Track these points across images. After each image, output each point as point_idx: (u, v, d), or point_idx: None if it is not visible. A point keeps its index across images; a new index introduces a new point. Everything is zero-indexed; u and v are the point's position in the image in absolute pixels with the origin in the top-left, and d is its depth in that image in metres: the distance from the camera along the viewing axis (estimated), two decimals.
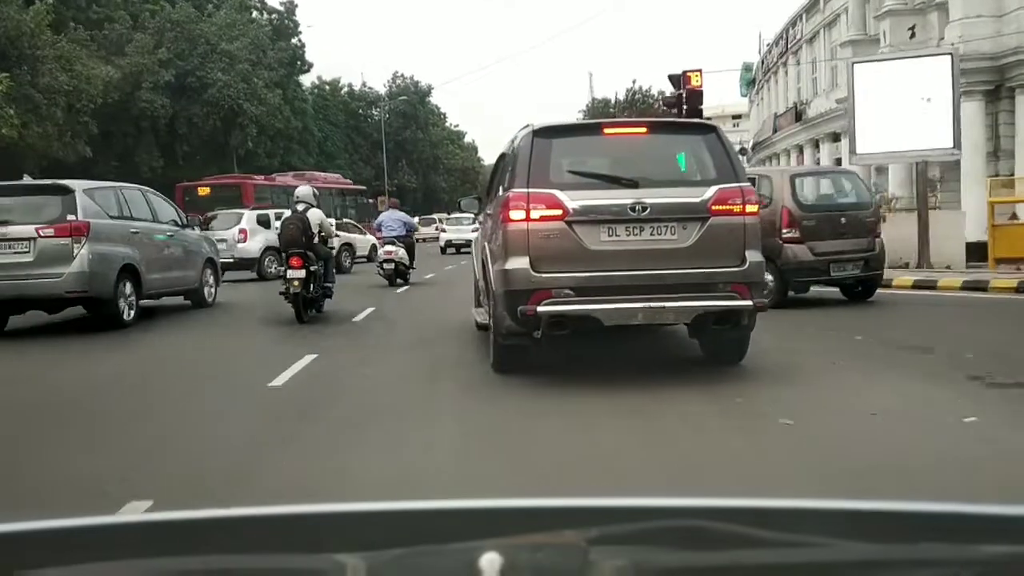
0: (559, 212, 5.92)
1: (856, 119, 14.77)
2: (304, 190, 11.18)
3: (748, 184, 6.22)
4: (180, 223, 12.15)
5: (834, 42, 32.20)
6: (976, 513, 0.98)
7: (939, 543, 0.94)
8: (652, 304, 5.87)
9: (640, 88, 60.14)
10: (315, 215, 10.56)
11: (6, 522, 0.93)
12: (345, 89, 62.86)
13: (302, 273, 9.99)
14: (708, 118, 38.92)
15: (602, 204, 5.99)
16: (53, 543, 0.93)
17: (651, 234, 5.97)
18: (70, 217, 9.78)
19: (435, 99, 69.59)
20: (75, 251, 9.71)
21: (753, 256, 6.02)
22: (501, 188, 6.69)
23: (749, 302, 5.93)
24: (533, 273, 5.92)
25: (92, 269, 9.78)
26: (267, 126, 40.44)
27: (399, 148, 62.58)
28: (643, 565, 0.90)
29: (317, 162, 49.78)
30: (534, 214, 5.94)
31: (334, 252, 11.90)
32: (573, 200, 5.95)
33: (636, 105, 58.03)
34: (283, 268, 10.24)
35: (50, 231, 9.71)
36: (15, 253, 9.67)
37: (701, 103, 18.47)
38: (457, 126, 77.34)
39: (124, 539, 0.97)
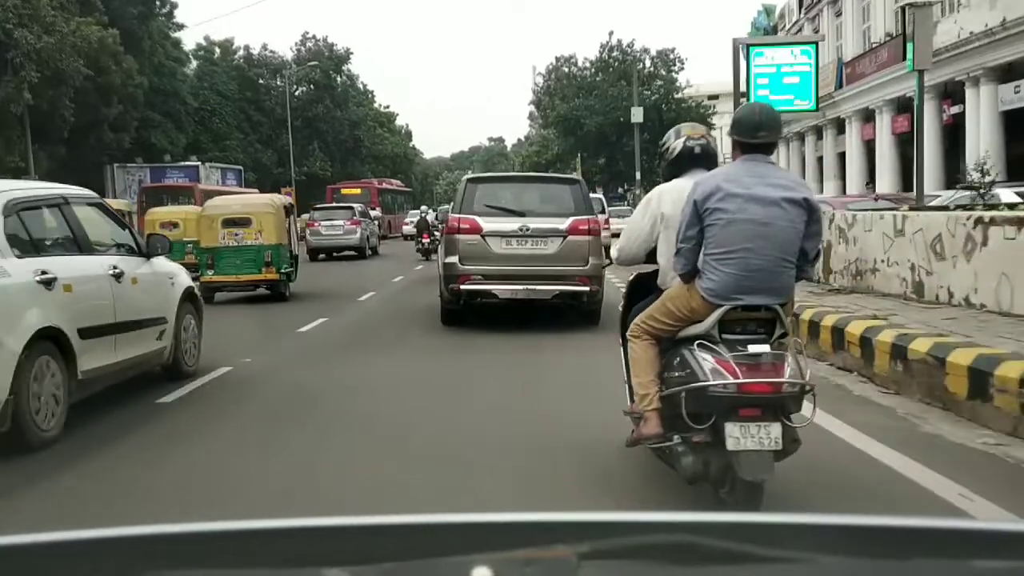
0: (478, 229, 9.64)
1: None
2: (423, 207, 28.92)
3: (594, 216, 10.04)
4: (369, 217, 29.42)
5: None
6: (968, 529, 0.99)
7: (929, 559, 0.94)
8: (529, 286, 9.69)
9: (620, 43, 46.55)
10: (430, 216, 27.83)
11: (4, 535, 0.96)
12: (240, 52, 52.16)
13: (427, 240, 27.43)
14: (715, 96, 45.68)
15: (502, 226, 9.64)
16: (32, 558, 0.95)
17: (532, 245, 9.63)
18: (354, 217, 27.09)
19: (357, 70, 61.10)
20: (358, 231, 26.96)
21: (594, 260, 9.64)
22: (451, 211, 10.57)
23: (587, 288, 9.65)
24: (460, 265, 9.65)
25: (361, 236, 27.10)
26: (65, 72, 27.77)
27: (309, 127, 52.69)
28: None
29: (195, 142, 41.39)
30: (462, 230, 9.71)
31: (438, 234, 23.60)
32: (486, 223, 9.64)
33: (612, 65, 45.58)
34: (417, 239, 27.81)
35: (350, 223, 26.94)
36: (338, 229, 26.80)
37: None
38: (388, 107, 69.71)
39: (107, 553, 0.96)
